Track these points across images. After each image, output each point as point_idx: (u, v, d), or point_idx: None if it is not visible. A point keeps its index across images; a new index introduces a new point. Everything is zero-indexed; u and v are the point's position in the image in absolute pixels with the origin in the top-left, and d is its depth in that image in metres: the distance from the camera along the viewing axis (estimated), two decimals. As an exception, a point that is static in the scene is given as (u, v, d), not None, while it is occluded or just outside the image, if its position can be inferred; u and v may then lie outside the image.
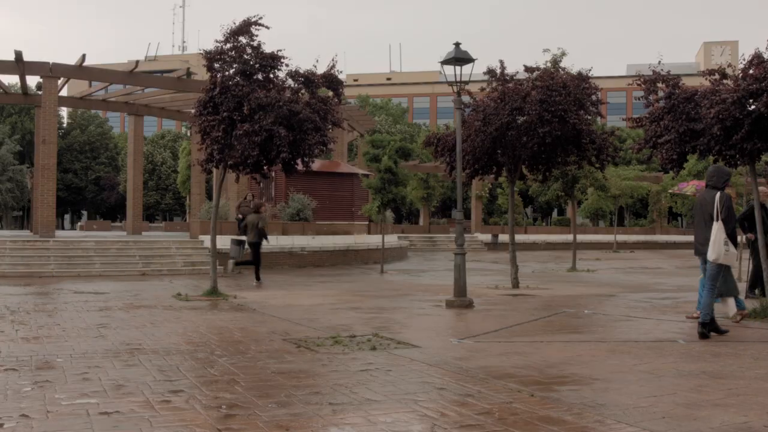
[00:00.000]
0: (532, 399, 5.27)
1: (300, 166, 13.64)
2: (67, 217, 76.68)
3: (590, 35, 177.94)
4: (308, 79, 13.21)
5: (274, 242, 22.48)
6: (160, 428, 4.45)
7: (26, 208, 61.41)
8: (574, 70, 14.65)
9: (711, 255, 8.18)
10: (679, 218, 60.27)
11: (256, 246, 16.77)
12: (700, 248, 8.48)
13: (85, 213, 75.45)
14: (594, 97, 14.43)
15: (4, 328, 8.71)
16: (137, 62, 24.82)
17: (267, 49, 12.95)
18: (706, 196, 8.47)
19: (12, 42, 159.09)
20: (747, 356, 7.14)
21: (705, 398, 5.32)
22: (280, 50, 13.02)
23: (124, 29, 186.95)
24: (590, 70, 14.69)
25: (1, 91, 28.12)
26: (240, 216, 23.91)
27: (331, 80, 13.53)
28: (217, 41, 12.91)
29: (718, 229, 8.14)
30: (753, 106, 9.74)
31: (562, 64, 15.61)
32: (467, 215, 48.37)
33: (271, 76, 13.11)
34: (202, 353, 7.14)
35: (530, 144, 13.97)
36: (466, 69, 15.22)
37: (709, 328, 8.17)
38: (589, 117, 14.60)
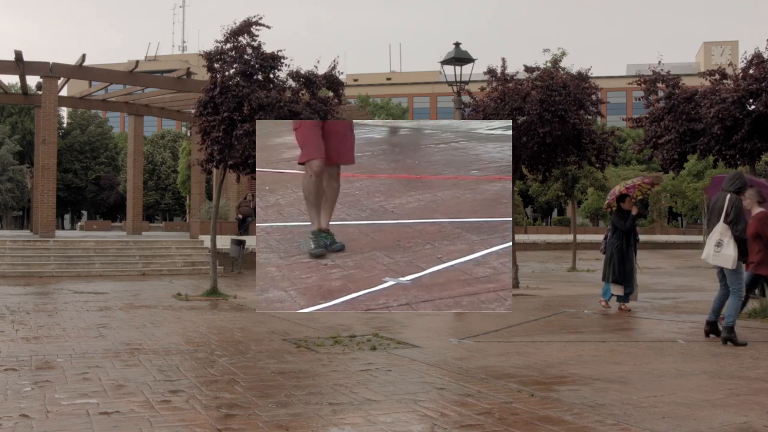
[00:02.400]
0: (532, 399, 5.27)
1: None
2: (67, 217, 76.67)
3: (590, 35, 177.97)
4: (309, 80, 13.21)
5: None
6: (160, 428, 4.45)
7: (26, 208, 61.41)
8: (574, 70, 14.66)
9: (702, 254, 8.14)
10: (679, 218, 60.27)
11: None
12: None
13: (85, 213, 75.44)
14: (594, 97, 14.42)
15: (4, 328, 8.71)
16: (137, 62, 24.80)
17: (267, 49, 12.96)
18: (719, 198, 8.30)
19: (12, 42, 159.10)
20: (747, 356, 7.14)
21: (705, 398, 5.32)
22: (281, 50, 13.04)
23: (124, 29, 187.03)
24: (590, 69, 14.69)
25: (1, 91, 28.12)
26: (240, 216, 23.93)
27: (332, 81, 13.54)
28: (217, 41, 12.92)
29: (721, 230, 7.97)
30: (753, 106, 9.76)
31: (562, 64, 15.59)
32: (467, 215, 48.18)
33: (272, 76, 13.11)
34: (202, 353, 7.15)
35: (530, 144, 13.97)
36: (466, 69, 15.26)
37: (731, 332, 7.87)
38: (590, 117, 14.60)
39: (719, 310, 8.24)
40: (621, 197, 11.34)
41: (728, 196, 8.10)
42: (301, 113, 12.56)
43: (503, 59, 14.78)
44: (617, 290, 11.17)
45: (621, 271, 11.05)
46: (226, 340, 8.07)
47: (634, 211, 11.22)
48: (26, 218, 63.99)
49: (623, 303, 11.19)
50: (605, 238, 11.54)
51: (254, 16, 12.86)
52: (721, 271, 8.14)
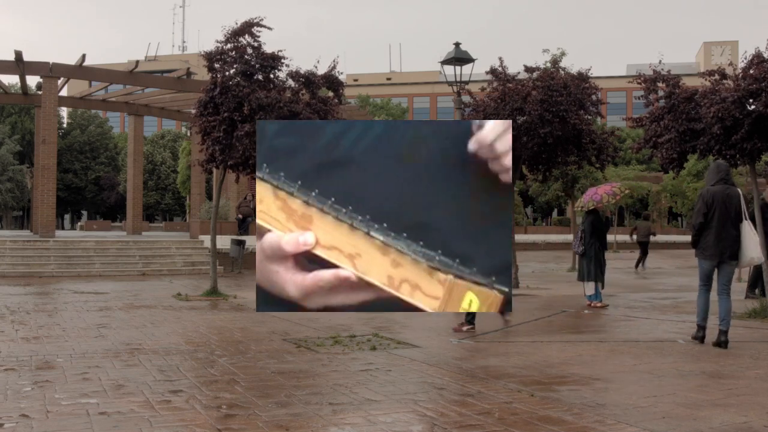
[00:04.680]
0: (532, 399, 5.27)
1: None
2: (67, 217, 76.66)
3: (590, 35, 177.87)
4: (309, 80, 13.21)
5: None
6: (160, 428, 4.45)
7: (26, 208, 61.40)
8: (573, 70, 14.66)
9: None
10: (679, 218, 60.27)
11: (646, 245, 22.64)
12: (727, 251, 7.52)
13: (85, 213, 75.43)
14: (594, 97, 14.43)
15: (4, 328, 8.71)
16: (137, 62, 24.80)
17: (267, 49, 12.96)
18: (730, 194, 7.55)
19: (12, 42, 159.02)
20: (746, 356, 7.14)
21: (705, 398, 5.32)
22: (281, 51, 13.04)
23: (124, 29, 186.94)
24: (590, 69, 14.70)
25: (1, 91, 28.11)
26: (240, 216, 23.96)
27: (331, 81, 13.54)
28: (217, 41, 12.92)
29: (750, 228, 7.46)
30: (753, 106, 9.75)
31: (561, 64, 15.58)
32: (467, 215, 48.12)
33: (272, 76, 13.11)
34: (202, 353, 7.15)
35: (530, 144, 13.97)
36: (466, 69, 15.25)
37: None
38: (590, 117, 14.61)
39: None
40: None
41: (739, 191, 7.68)
42: (301, 113, 12.56)
43: (500, 59, 14.79)
44: (595, 289, 11.56)
45: (602, 270, 11.56)
46: (226, 340, 8.07)
47: (608, 212, 11.91)
48: (26, 218, 63.97)
49: (598, 301, 11.54)
50: (581, 239, 11.72)
51: (255, 18, 12.85)
52: (712, 272, 7.69)
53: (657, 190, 46.48)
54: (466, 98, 15.32)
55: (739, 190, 7.67)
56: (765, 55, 9.88)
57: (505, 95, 14.07)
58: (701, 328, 7.80)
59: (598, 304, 11.34)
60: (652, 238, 23.52)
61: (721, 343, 7.52)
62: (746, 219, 7.51)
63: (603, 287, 11.63)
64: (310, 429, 4.47)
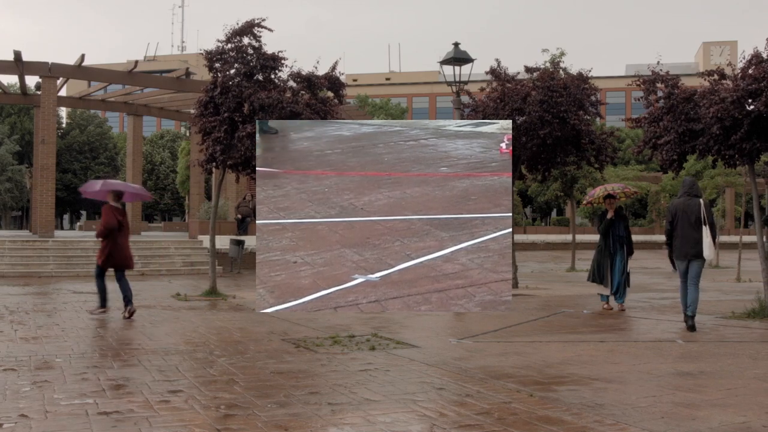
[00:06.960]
0: (531, 399, 5.27)
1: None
2: (66, 217, 76.61)
3: (589, 35, 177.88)
4: (310, 81, 13.22)
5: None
6: (160, 428, 4.45)
7: (25, 208, 61.35)
8: (573, 70, 14.66)
9: (709, 254, 8.91)
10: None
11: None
12: (690, 251, 8.96)
13: (84, 213, 75.37)
14: (593, 98, 14.43)
15: (4, 328, 8.71)
16: (136, 62, 24.80)
17: (268, 49, 12.96)
18: (690, 204, 9.00)
19: (12, 42, 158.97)
20: (745, 356, 7.15)
21: (704, 398, 5.32)
22: (281, 51, 13.04)
23: (123, 29, 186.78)
24: (590, 70, 14.69)
25: (1, 91, 28.09)
26: (239, 216, 23.92)
27: (333, 82, 13.55)
28: (218, 41, 12.91)
29: (705, 233, 8.80)
30: (752, 106, 9.75)
31: (561, 64, 15.57)
32: (466, 215, 48.07)
33: (272, 76, 13.11)
34: (201, 353, 7.14)
35: (530, 144, 13.97)
36: (466, 69, 15.24)
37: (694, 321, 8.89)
38: (589, 117, 14.61)
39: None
40: (606, 197, 11.64)
41: (701, 201, 8.98)
42: (301, 114, 12.56)
43: (497, 60, 14.81)
44: (599, 289, 11.50)
45: (598, 271, 11.42)
46: (225, 340, 8.06)
47: (610, 213, 11.46)
48: (25, 218, 63.90)
49: (606, 303, 11.37)
50: None
51: (257, 18, 12.85)
52: (686, 269, 9.03)
53: (656, 190, 46.48)
54: (465, 98, 15.31)
55: (700, 201, 9.01)
56: (764, 55, 9.88)
57: (505, 95, 14.07)
58: (691, 317, 8.89)
59: (605, 305, 11.27)
60: None
61: (689, 327, 8.76)
62: (705, 225, 8.82)
63: (611, 290, 11.30)
64: (309, 429, 4.47)
